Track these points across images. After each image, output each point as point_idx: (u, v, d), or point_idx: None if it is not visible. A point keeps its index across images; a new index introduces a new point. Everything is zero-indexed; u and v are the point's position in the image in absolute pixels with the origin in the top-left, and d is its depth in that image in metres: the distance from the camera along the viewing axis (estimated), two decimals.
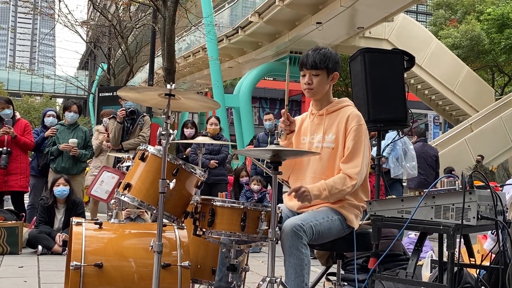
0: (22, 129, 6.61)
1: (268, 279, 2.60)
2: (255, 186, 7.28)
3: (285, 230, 2.73)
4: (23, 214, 6.51)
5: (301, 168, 3.18)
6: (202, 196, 2.89)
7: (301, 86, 3.16)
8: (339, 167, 3.03)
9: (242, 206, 2.72)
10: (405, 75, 4.99)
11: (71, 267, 2.79)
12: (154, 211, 2.80)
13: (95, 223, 3.04)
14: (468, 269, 3.40)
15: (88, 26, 22.53)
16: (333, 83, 3.16)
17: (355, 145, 3.00)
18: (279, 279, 2.61)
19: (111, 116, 7.36)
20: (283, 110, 3.08)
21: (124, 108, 7.01)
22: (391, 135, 7.40)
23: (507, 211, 2.86)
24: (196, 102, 3.00)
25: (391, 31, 20.89)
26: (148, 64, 16.09)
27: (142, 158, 2.88)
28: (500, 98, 20.85)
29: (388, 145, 7.22)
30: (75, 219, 3.06)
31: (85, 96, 42.54)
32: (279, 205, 3.06)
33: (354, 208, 3.06)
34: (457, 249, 2.61)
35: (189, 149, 7.54)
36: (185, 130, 7.81)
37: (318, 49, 3.12)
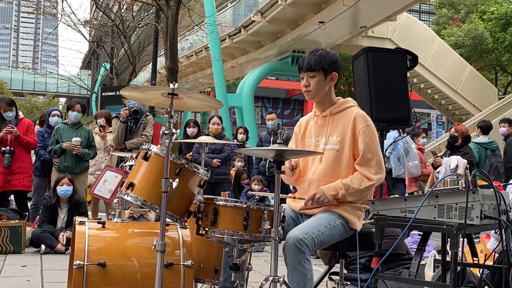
0: (25, 129, 6.63)
1: (271, 278, 2.60)
2: (256, 186, 7.28)
3: (288, 243, 2.71)
4: (26, 213, 6.53)
5: (304, 169, 3.17)
6: (205, 196, 2.89)
7: (302, 89, 3.15)
8: (347, 169, 3.01)
9: (245, 206, 2.72)
10: (408, 74, 4.98)
11: (74, 266, 2.79)
12: (157, 211, 2.80)
13: (98, 222, 3.04)
14: (471, 268, 3.40)
15: (91, 26, 22.58)
16: (332, 84, 3.12)
17: (367, 147, 2.98)
18: (281, 278, 2.60)
19: (114, 115, 7.38)
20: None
21: (127, 108, 7.01)
22: (392, 134, 7.41)
23: (510, 211, 2.85)
24: (199, 101, 2.99)
25: (394, 30, 20.86)
26: (151, 63, 16.12)
27: (145, 158, 2.88)
28: (503, 98, 20.81)
29: (390, 145, 7.23)
30: (78, 218, 3.06)
31: (88, 96, 42.67)
32: (282, 205, 3.06)
33: (357, 210, 3.04)
34: (460, 249, 2.61)
35: (189, 154, 7.55)
36: (187, 129, 7.82)
37: (315, 51, 3.10)
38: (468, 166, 6.99)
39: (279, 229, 2.64)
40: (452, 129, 7.84)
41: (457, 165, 7.12)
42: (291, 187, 6.96)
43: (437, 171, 7.71)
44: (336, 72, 3.10)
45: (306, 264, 2.71)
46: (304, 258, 2.70)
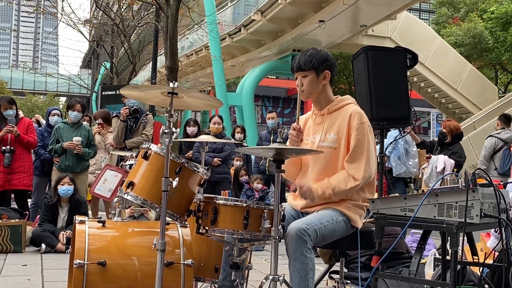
0: (25, 128, 6.63)
1: (271, 277, 2.60)
2: (258, 185, 7.29)
3: (290, 233, 2.71)
4: (27, 212, 6.53)
5: (304, 168, 3.17)
6: (205, 195, 2.89)
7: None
8: (343, 166, 3.02)
9: (245, 204, 2.72)
10: (408, 73, 4.97)
11: (74, 265, 2.80)
12: (157, 210, 2.80)
13: (98, 222, 3.04)
14: (471, 267, 3.40)
15: (91, 25, 22.58)
16: (326, 82, 3.12)
17: (358, 144, 2.97)
18: (282, 277, 2.60)
19: (114, 114, 7.38)
20: (294, 124, 3.13)
21: (127, 107, 7.01)
22: (392, 133, 7.41)
23: (510, 209, 2.85)
24: (199, 100, 2.99)
25: (394, 29, 20.87)
26: (151, 62, 16.12)
27: (145, 157, 2.88)
28: (503, 96, 20.80)
29: (390, 143, 7.23)
30: (78, 218, 3.06)
31: (88, 95, 42.66)
32: (282, 204, 3.06)
33: (358, 208, 3.05)
34: (460, 247, 2.61)
35: (189, 153, 7.56)
36: (187, 128, 7.82)
37: (306, 51, 3.12)
38: (455, 169, 6.89)
39: (279, 228, 2.64)
40: (442, 126, 7.65)
41: (444, 168, 7.01)
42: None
43: (422, 167, 7.69)
44: (328, 70, 3.10)
45: (307, 254, 2.70)
46: (306, 247, 2.70)
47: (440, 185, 2.87)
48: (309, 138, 3.19)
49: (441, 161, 7.07)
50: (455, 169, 6.94)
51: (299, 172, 3.23)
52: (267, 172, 8.35)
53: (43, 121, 8.51)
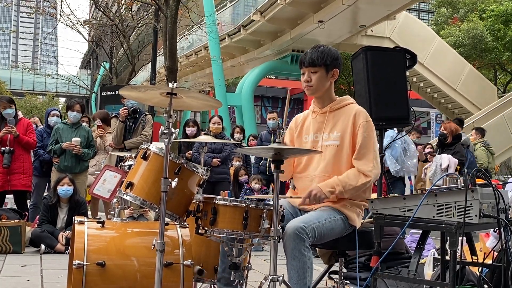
0: (24, 129, 6.63)
1: (270, 277, 2.60)
2: (256, 185, 7.29)
3: (288, 232, 2.71)
4: (26, 213, 6.53)
5: (305, 166, 3.17)
6: (204, 195, 2.89)
7: (302, 85, 3.16)
8: (348, 164, 3.02)
9: (244, 205, 2.72)
10: (407, 73, 4.98)
11: (73, 266, 2.79)
12: (157, 210, 2.80)
13: (98, 222, 3.04)
14: (470, 267, 3.40)
15: (90, 26, 22.59)
16: (333, 80, 3.13)
17: (365, 140, 2.99)
18: (281, 278, 2.60)
19: (114, 115, 7.38)
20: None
21: (126, 107, 7.01)
22: (390, 133, 7.41)
23: (509, 209, 2.85)
24: (198, 100, 2.99)
25: (393, 29, 20.88)
26: (150, 63, 16.13)
27: (144, 157, 2.88)
28: (502, 96, 20.82)
29: (389, 143, 7.22)
30: (77, 218, 3.06)
31: (88, 95, 42.68)
32: (281, 200, 3.06)
33: (356, 207, 3.05)
34: (459, 247, 2.61)
35: (189, 153, 7.56)
36: (187, 129, 7.82)
37: (317, 47, 3.13)
38: (458, 167, 7.00)
39: (279, 228, 2.64)
40: (442, 127, 7.83)
41: (448, 165, 7.14)
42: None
43: (425, 167, 7.74)
44: (337, 69, 3.13)
45: (305, 252, 2.70)
46: (303, 246, 2.69)
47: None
48: (308, 137, 3.19)
49: (445, 158, 7.21)
50: (459, 167, 7.03)
51: (296, 171, 3.23)
52: (267, 173, 8.35)
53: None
